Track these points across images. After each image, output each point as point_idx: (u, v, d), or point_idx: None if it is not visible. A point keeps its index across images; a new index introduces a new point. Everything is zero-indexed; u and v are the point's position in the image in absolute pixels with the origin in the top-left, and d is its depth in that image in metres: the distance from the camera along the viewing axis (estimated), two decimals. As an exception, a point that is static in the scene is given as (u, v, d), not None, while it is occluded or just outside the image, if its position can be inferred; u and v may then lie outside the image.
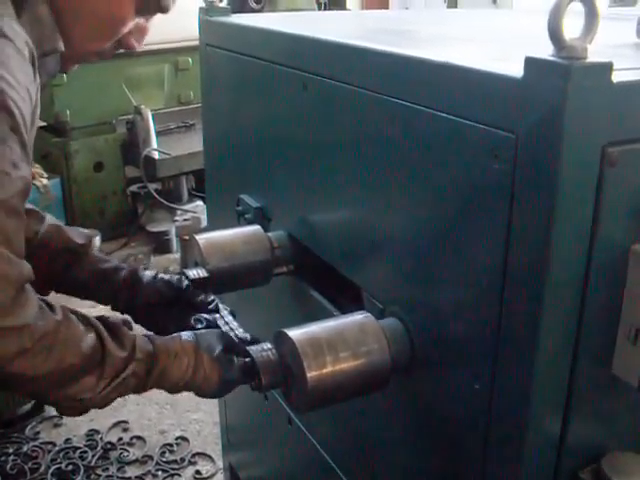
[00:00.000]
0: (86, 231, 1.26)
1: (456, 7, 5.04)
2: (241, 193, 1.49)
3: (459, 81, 0.83)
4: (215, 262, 1.26)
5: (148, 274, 1.25)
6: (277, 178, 1.37)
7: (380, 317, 1.03)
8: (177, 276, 1.27)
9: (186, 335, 1.03)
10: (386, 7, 7.02)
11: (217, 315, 1.19)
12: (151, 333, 1.07)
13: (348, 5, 6.17)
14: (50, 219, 1.23)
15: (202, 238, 1.29)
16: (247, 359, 1.00)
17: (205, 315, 1.18)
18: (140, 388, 0.97)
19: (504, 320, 0.81)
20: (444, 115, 0.85)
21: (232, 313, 1.20)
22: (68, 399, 0.91)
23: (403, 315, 1.00)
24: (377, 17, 1.80)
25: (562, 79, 0.69)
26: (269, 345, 1.01)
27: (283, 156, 1.33)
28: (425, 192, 0.92)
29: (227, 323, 1.15)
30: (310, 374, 0.92)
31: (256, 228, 1.34)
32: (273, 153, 1.37)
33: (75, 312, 0.93)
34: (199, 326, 1.15)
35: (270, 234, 1.34)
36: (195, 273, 1.24)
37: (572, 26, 0.70)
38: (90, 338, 0.91)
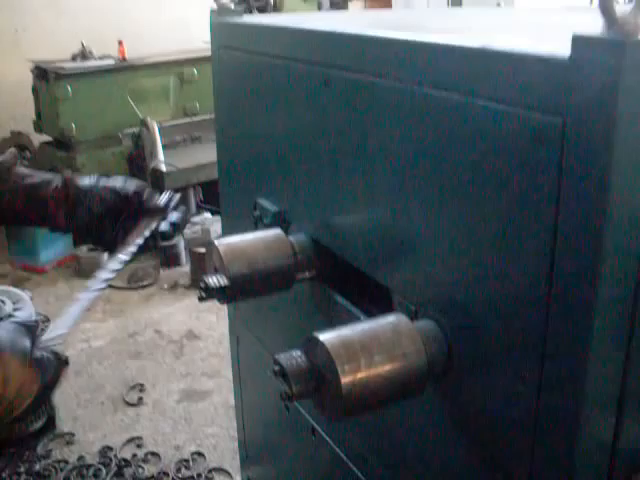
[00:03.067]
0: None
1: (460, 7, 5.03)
2: (258, 197, 1.45)
3: (499, 65, 0.78)
4: (236, 268, 1.22)
5: (87, 181, 1.09)
6: (297, 180, 1.33)
7: (413, 319, 0.98)
8: (121, 180, 1.13)
9: None
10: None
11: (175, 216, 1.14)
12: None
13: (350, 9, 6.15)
14: None
15: (222, 244, 1.24)
16: (276, 367, 0.95)
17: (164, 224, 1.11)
18: None
19: (551, 319, 0.76)
20: (482, 103, 0.80)
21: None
22: None
23: (438, 316, 0.96)
24: (388, 15, 1.77)
25: (615, 57, 0.64)
26: (298, 352, 0.96)
27: (304, 157, 1.28)
28: (462, 186, 0.87)
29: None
30: (344, 379, 0.87)
31: (277, 232, 1.30)
32: (293, 154, 1.33)
33: None
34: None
35: (291, 238, 1.30)
36: (215, 281, 1.20)
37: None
38: None
